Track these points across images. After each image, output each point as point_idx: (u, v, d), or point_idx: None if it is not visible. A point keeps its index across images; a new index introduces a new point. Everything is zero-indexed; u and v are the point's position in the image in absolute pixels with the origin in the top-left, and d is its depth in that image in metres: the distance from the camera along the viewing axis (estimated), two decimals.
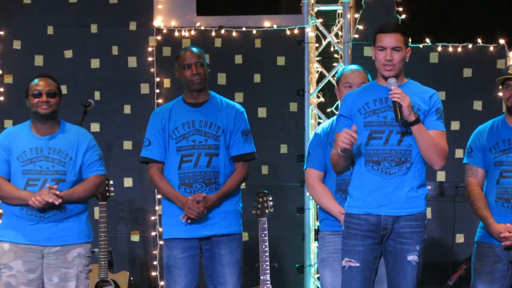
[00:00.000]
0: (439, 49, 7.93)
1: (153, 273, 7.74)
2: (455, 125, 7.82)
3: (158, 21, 8.01)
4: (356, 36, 7.81)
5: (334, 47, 7.91)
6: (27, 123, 5.38)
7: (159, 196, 7.63)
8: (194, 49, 5.52)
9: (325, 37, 7.94)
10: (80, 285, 5.25)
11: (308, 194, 7.52)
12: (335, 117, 5.19)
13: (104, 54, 7.95)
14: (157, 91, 7.94)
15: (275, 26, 8.04)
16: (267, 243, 6.26)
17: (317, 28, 7.93)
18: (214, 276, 5.43)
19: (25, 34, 7.94)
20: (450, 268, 7.15)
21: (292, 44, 7.93)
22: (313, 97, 7.84)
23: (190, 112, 5.48)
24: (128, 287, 7.05)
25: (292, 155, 7.92)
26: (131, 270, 7.51)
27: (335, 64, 7.91)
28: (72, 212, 5.26)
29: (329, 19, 8.03)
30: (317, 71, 7.96)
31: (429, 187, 6.95)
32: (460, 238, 7.70)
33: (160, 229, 7.43)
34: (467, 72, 7.92)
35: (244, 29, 8.02)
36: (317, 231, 6.43)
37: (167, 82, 7.96)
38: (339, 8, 7.88)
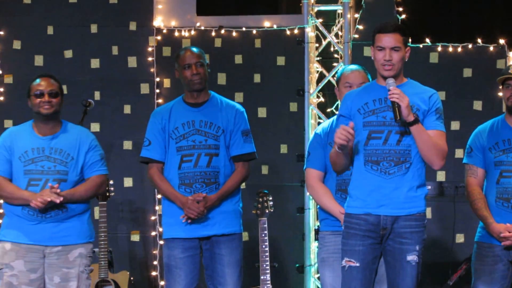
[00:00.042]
0: (439, 49, 7.93)
1: (153, 273, 7.75)
2: (455, 125, 7.82)
3: (158, 21, 8.01)
4: (356, 36, 7.81)
5: (334, 47, 7.91)
6: (29, 123, 5.38)
7: (159, 196, 7.63)
8: (194, 49, 5.52)
9: (325, 37, 7.94)
10: (81, 285, 5.26)
11: (308, 194, 7.52)
12: (335, 117, 5.20)
13: (104, 54, 7.95)
14: (157, 91, 7.94)
15: (275, 26, 8.05)
16: (267, 243, 6.26)
17: (317, 28, 7.93)
18: (214, 276, 5.43)
19: (25, 34, 7.94)
20: (450, 268, 7.15)
21: (292, 44, 7.93)
22: (313, 97, 7.84)
23: (190, 112, 5.48)
24: (128, 287, 7.05)
25: (292, 155, 7.92)
26: (131, 270, 7.51)
27: (335, 64, 7.91)
28: (73, 212, 5.26)
29: (329, 19, 8.03)
30: (317, 71, 7.96)
31: (429, 187, 6.97)
32: (460, 238, 7.69)
33: (160, 229, 7.43)
34: (467, 72, 7.92)
35: (244, 29, 8.02)
36: (317, 231, 6.43)
37: (167, 82, 7.96)
38: (339, 8, 7.88)
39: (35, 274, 5.22)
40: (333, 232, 5.19)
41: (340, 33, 7.88)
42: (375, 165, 4.72)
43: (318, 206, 5.41)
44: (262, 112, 8.00)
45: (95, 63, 7.96)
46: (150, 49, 7.96)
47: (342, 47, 7.81)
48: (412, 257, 4.70)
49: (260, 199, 6.32)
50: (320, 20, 7.93)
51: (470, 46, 7.91)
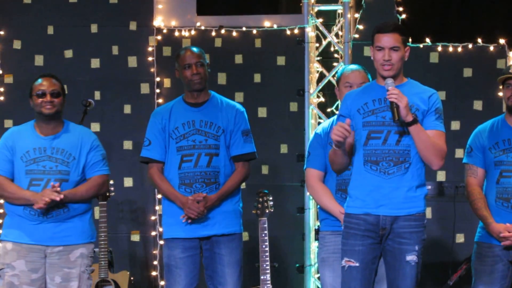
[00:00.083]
0: (439, 49, 7.93)
1: (153, 273, 7.75)
2: (455, 125, 7.82)
3: (158, 21, 8.01)
4: (356, 36, 7.81)
5: (334, 47, 7.91)
6: (30, 123, 5.38)
7: (159, 196, 7.63)
8: (194, 49, 5.52)
9: (325, 37, 7.93)
10: (82, 285, 5.26)
11: (308, 194, 7.52)
12: (335, 116, 5.19)
13: (104, 54, 7.95)
14: (157, 91, 7.94)
15: (275, 26, 8.04)
16: (267, 243, 6.26)
17: (317, 28, 7.93)
18: (214, 276, 5.43)
19: (25, 34, 7.94)
20: (450, 268, 7.15)
21: (292, 44, 7.93)
22: (313, 97, 7.84)
23: (190, 112, 5.48)
24: (128, 287, 7.05)
25: (292, 155, 7.92)
26: (131, 270, 7.51)
27: (335, 64, 7.91)
28: (75, 212, 5.26)
29: (329, 19, 8.03)
30: (317, 71, 7.95)
31: (429, 187, 6.96)
32: (460, 238, 7.69)
33: (160, 229, 7.43)
34: (467, 72, 7.92)
35: (244, 29, 8.02)
36: (317, 231, 6.43)
37: (167, 82, 7.96)
38: (339, 8, 7.88)
39: (37, 274, 5.22)
40: (333, 232, 5.19)
41: (340, 33, 7.87)
42: (375, 165, 4.72)
43: (318, 206, 5.41)
44: (262, 112, 8.00)
45: (95, 63, 7.96)
46: (150, 49, 7.96)
47: (342, 47, 7.81)
48: (411, 257, 4.69)
49: (260, 199, 6.32)
50: (320, 20, 7.93)
51: (470, 46, 7.91)
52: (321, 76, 7.94)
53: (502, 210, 5.26)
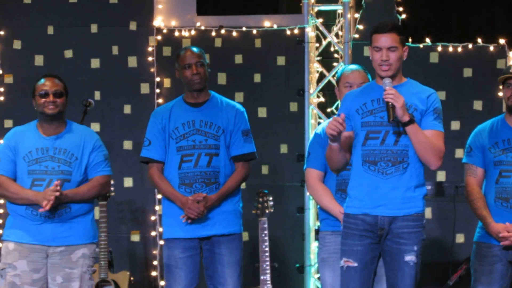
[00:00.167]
0: (439, 49, 7.93)
1: (153, 273, 7.75)
2: (455, 125, 7.82)
3: (158, 21, 8.01)
4: (356, 36, 7.81)
5: (334, 47, 7.91)
6: (33, 123, 5.37)
7: (159, 196, 7.63)
8: (194, 49, 5.52)
9: (325, 37, 7.94)
10: (84, 286, 5.25)
11: (308, 194, 7.52)
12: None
13: (104, 54, 7.95)
14: (157, 91, 7.94)
15: (275, 26, 8.04)
16: (267, 243, 6.26)
17: (317, 28, 7.93)
18: (214, 276, 5.43)
19: (25, 34, 7.94)
20: (450, 268, 7.15)
21: (292, 44, 7.93)
22: (313, 97, 7.84)
23: (190, 112, 5.48)
24: (128, 287, 7.05)
25: (292, 155, 7.92)
26: (131, 270, 7.51)
27: (335, 64, 7.91)
28: (77, 212, 5.26)
29: (329, 19, 8.03)
30: (317, 71, 7.96)
31: (429, 187, 6.96)
32: (460, 238, 7.69)
33: (160, 229, 7.43)
34: (467, 72, 7.92)
35: (244, 29, 8.02)
36: (317, 231, 6.44)
37: (167, 82, 7.96)
38: (339, 8, 7.88)
39: (38, 274, 5.22)
40: (333, 232, 5.18)
41: (340, 33, 7.87)
42: (373, 165, 4.72)
43: (318, 206, 5.41)
44: (262, 112, 8.00)
45: (95, 63, 7.96)
46: (150, 49, 7.96)
47: (342, 47, 7.81)
48: (410, 258, 4.69)
49: (260, 199, 6.31)
50: (320, 20, 7.93)
51: (470, 46, 7.91)
52: (321, 76, 7.94)
53: (502, 210, 5.25)
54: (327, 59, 8.02)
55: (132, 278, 7.16)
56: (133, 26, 7.97)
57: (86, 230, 5.31)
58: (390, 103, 4.61)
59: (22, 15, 7.92)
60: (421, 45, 7.89)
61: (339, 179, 5.20)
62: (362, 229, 4.72)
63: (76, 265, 5.25)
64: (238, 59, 8.03)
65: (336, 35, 7.91)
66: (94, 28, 7.95)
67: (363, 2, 7.86)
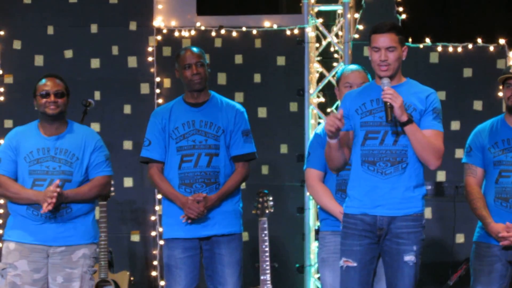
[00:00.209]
0: (439, 49, 7.93)
1: (153, 273, 7.75)
2: (455, 125, 7.82)
3: (158, 21, 8.01)
4: (356, 36, 7.81)
5: (334, 47, 7.92)
6: (34, 123, 5.37)
7: (159, 196, 7.63)
8: (195, 49, 5.52)
9: (325, 37, 7.94)
10: (84, 286, 5.25)
11: (308, 194, 7.52)
12: None
13: (104, 54, 7.95)
14: (157, 91, 7.94)
15: (275, 26, 8.05)
16: (267, 243, 6.26)
17: (317, 28, 7.93)
18: (214, 276, 5.43)
19: (25, 34, 7.94)
20: (450, 268, 7.15)
21: (292, 44, 7.93)
22: (313, 97, 7.85)
23: (190, 112, 5.48)
24: (128, 287, 7.05)
25: (292, 155, 7.92)
26: (131, 270, 7.51)
27: (335, 64, 7.91)
28: (78, 212, 5.26)
29: (329, 19, 8.04)
30: (317, 71, 7.96)
31: (429, 187, 6.96)
32: (460, 238, 7.69)
33: (160, 229, 7.43)
34: (467, 72, 7.92)
35: (244, 29, 8.02)
36: (317, 231, 6.44)
37: (167, 82, 7.96)
38: (339, 8, 7.88)
39: (39, 274, 5.22)
40: (333, 232, 5.18)
41: (340, 33, 7.88)
42: (372, 165, 4.72)
43: (318, 206, 5.41)
44: (262, 112, 8.00)
45: (95, 63, 7.96)
46: (150, 49, 7.96)
47: (342, 47, 7.81)
48: (409, 258, 4.69)
49: (260, 199, 6.32)
50: (320, 20, 7.93)
51: (470, 46, 7.91)
52: (321, 76, 7.94)
53: (501, 210, 5.25)
54: (327, 59, 8.02)
55: (132, 278, 7.17)
56: (133, 26, 7.97)
57: (87, 230, 5.31)
58: (388, 103, 4.61)
59: (22, 15, 7.92)
60: (421, 45, 7.89)
61: (339, 179, 5.20)
62: (361, 229, 4.72)
63: (77, 265, 5.25)
64: (238, 59, 8.03)
65: (336, 35, 7.91)
66: (94, 28, 7.95)
67: (363, 2, 7.86)
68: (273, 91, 7.99)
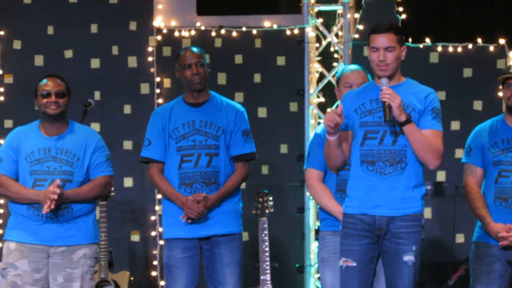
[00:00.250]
0: (439, 49, 7.94)
1: (153, 273, 7.75)
2: (455, 125, 7.82)
3: (158, 21, 8.01)
4: (356, 36, 7.81)
5: (334, 47, 7.92)
6: (35, 123, 5.37)
7: (159, 196, 7.63)
8: (195, 49, 5.52)
9: (325, 37, 7.94)
10: (85, 286, 5.25)
11: (308, 194, 7.52)
12: None
13: (104, 54, 7.95)
14: (157, 91, 7.94)
15: (275, 26, 8.05)
16: (267, 243, 6.26)
17: (317, 28, 7.93)
18: (214, 276, 5.43)
19: (25, 34, 7.94)
20: (450, 268, 7.15)
21: (292, 44, 7.93)
22: (313, 97, 7.85)
23: (190, 112, 5.48)
24: (128, 287, 7.05)
25: (292, 155, 7.92)
26: (131, 270, 7.51)
27: (335, 64, 7.91)
28: (78, 212, 5.26)
29: (329, 19, 8.04)
30: (317, 71, 7.96)
31: (429, 187, 6.96)
32: (460, 238, 7.69)
33: (160, 229, 7.43)
34: (467, 72, 7.92)
35: (244, 29, 8.02)
36: (317, 231, 6.44)
37: (167, 82, 7.96)
38: (339, 8, 7.88)
39: (39, 274, 5.22)
40: (333, 232, 5.18)
41: (340, 33, 7.88)
42: (371, 165, 4.72)
43: (318, 206, 5.41)
44: (262, 112, 8.00)
45: (95, 63, 7.96)
46: (150, 49, 7.96)
47: (342, 47, 7.81)
48: (408, 258, 4.69)
49: (260, 199, 6.33)
50: (320, 20, 7.94)
51: (470, 46, 7.91)
52: (321, 76, 7.94)
53: (501, 209, 5.25)
54: (327, 59, 8.02)
55: (132, 278, 7.17)
56: (133, 26, 7.97)
57: (87, 231, 5.30)
58: (386, 103, 4.61)
59: (22, 15, 7.92)
60: (421, 45, 7.89)
61: (339, 179, 5.20)
62: (360, 228, 4.72)
63: (77, 265, 5.24)
64: (238, 59, 8.03)
65: (336, 35, 7.91)
66: (94, 28, 7.95)
67: (363, 2, 7.86)
68: (273, 91, 7.99)
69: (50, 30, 7.95)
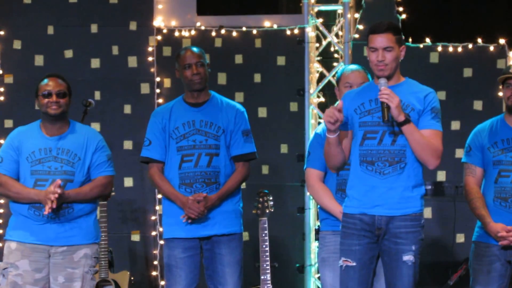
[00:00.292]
0: (439, 49, 7.94)
1: (154, 273, 7.75)
2: (455, 125, 7.82)
3: (158, 21, 8.01)
4: (356, 36, 7.81)
5: (334, 47, 7.92)
6: (36, 123, 5.37)
7: (159, 196, 7.63)
8: (195, 49, 5.52)
9: (325, 37, 7.94)
10: (86, 286, 5.24)
11: (308, 194, 7.52)
12: None
13: (104, 54, 7.95)
14: (157, 91, 7.94)
15: (275, 26, 8.05)
16: (267, 243, 6.27)
17: (317, 28, 7.93)
18: (214, 276, 5.43)
19: (25, 34, 7.94)
20: (450, 268, 7.16)
21: (292, 44, 7.93)
22: (313, 97, 7.85)
23: (190, 112, 5.48)
24: (128, 287, 7.06)
25: (292, 155, 7.92)
26: (131, 270, 7.51)
27: (335, 64, 7.92)
28: (79, 212, 5.26)
29: (329, 19, 8.04)
30: (317, 71, 7.96)
31: (429, 187, 6.96)
32: (460, 238, 7.70)
33: (161, 229, 7.44)
34: (467, 72, 7.92)
35: (244, 29, 8.02)
36: (317, 231, 6.44)
37: (167, 82, 7.96)
38: (339, 8, 7.88)
39: (40, 273, 5.22)
40: (333, 232, 5.18)
41: (340, 33, 7.88)
42: (370, 165, 4.72)
43: (318, 206, 5.41)
44: (262, 112, 8.00)
45: (95, 63, 7.96)
46: (150, 49, 7.96)
47: (342, 47, 7.81)
48: (408, 257, 4.69)
49: (261, 199, 6.33)
50: (320, 20, 7.94)
51: (470, 46, 7.91)
52: (321, 76, 7.95)
53: (500, 209, 5.26)
54: (327, 59, 8.03)
55: (132, 278, 7.17)
56: (133, 26, 7.97)
57: (88, 230, 5.30)
58: (385, 103, 4.61)
59: (22, 15, 7.93)
60: (421, 45, 7.89)
61: (339, 179, 5.20)
62: (360, 228, 4.72)
63: (78, 265, 5.25)
64: (238, 59, 8.03)
65: (336, 35, 7.91)
66: (94, 28, 7.95)
67: (363, 2, 7.86)
68: (273, 91, 8.00)
69: (50, 30, 7.95)
